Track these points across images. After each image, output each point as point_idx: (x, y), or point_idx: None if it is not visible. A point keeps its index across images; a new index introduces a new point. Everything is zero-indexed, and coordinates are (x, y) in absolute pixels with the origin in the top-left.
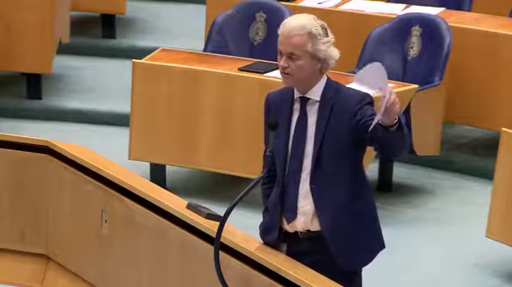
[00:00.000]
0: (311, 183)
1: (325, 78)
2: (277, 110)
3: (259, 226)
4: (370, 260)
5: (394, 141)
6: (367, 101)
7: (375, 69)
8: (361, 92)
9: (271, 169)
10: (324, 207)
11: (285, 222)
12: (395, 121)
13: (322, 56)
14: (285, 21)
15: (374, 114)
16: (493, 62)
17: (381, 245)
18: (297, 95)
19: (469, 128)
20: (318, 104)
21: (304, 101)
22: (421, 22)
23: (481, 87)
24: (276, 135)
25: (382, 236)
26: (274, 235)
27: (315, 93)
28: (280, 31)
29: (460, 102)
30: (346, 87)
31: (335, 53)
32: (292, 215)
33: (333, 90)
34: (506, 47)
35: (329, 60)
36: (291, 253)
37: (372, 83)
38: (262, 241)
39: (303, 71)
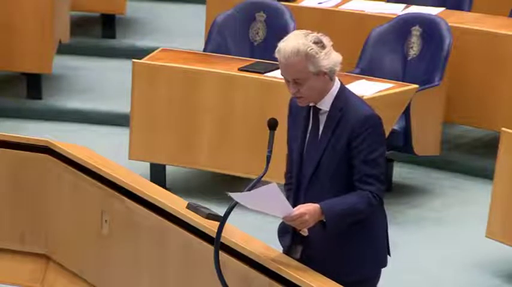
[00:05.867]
0: (306, 191)
1: (338, 85)
2: (297, 114)
3: (278, 226)
4: (358, 276)
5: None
6: (368, 131)
7: (271, 194)
8: (367, 111)
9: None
10: None
11: None
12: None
13: (327, 69)
14: (279, 46)
15: (371, 151)
16: (493, 62)
17: (378, 264)
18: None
19: (469, 128)
20: (327, 113)
21: (316, 109)
22: (421, 22)
23: (481, 87)
24: (293, 139)
25: (382, 255)
26: (288, 237)
27: (326, 103)
28: (278, 57)
29: (460, 102)
30: (355, 98)
31: (337, 58)
32: None
33: (342, 102)
34: (506, 47)
35: (334, 68)
36: (304, 256)
37: (268, 206)
38: (279, 241)
39: (314, 90)
